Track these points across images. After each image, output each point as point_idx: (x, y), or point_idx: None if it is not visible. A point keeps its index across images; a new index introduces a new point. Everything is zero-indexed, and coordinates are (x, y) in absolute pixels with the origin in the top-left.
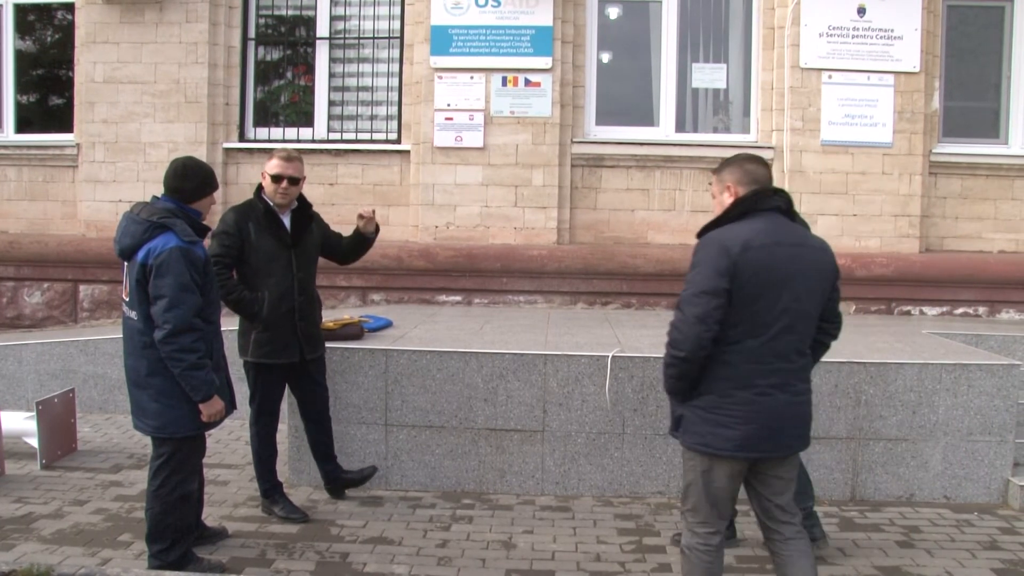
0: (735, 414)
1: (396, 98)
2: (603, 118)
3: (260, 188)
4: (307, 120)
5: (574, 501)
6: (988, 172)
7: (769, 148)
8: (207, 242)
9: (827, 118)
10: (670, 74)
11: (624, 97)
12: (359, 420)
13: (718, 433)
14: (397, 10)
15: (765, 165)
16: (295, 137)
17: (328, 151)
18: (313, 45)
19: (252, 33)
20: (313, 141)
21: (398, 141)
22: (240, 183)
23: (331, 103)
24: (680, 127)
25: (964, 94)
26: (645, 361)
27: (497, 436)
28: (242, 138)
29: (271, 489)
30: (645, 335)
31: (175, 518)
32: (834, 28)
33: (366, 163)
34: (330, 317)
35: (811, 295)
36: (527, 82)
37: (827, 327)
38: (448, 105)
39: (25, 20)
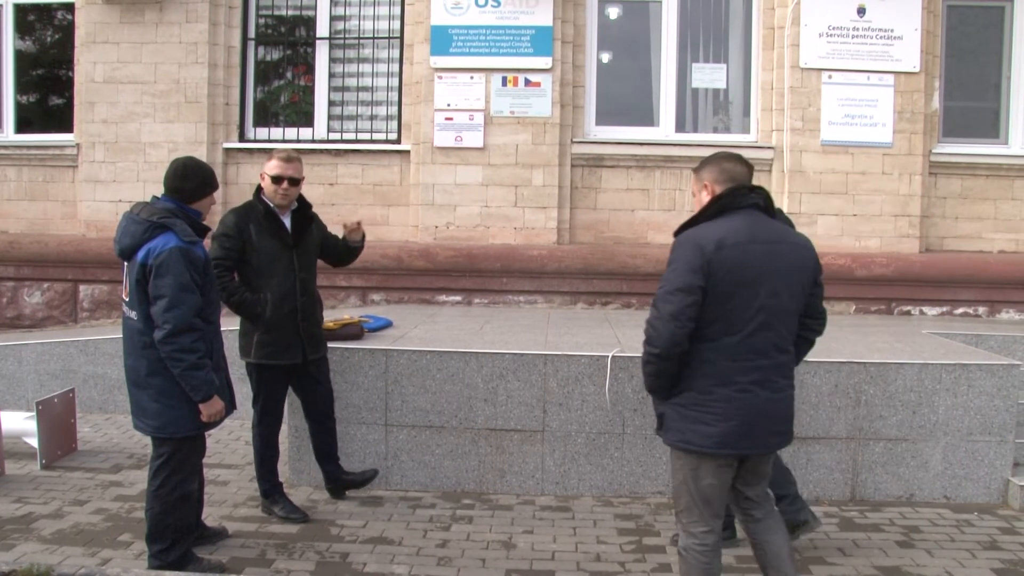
0: (715, 411)
1: (396, 98)
2: (603, 118)
3: (259, 189)
4: (307, 120)
5: (574, 501)
6: (988, 172)
7: (769, 148)
8: (207, 243)
9: (827, 118)
10: (670, 74)
11: (624, 97)
12: (359, 420)
13: (698, 430)
14: (397, 10)
15: (744, 163)
16: (295, 137)
17: (328, 151)
18: (313, 45)
19: (252, 33)
20: (313, 141)
21: (398, 141)
22: (240, 183)
23: (331, 103)
24: (680, 127)
25: (964, 94)
26: None
27: (497, 436)
28: (242, 138)
29: (271, 489)
30: None
31: (175, 518)
32: (834, 28)
33: (366, 163)
34: (330, 317)
35: (790, 292)
36: (527, 82)
37: (811, 323)
38: (448, 105)
39: (25, 20)
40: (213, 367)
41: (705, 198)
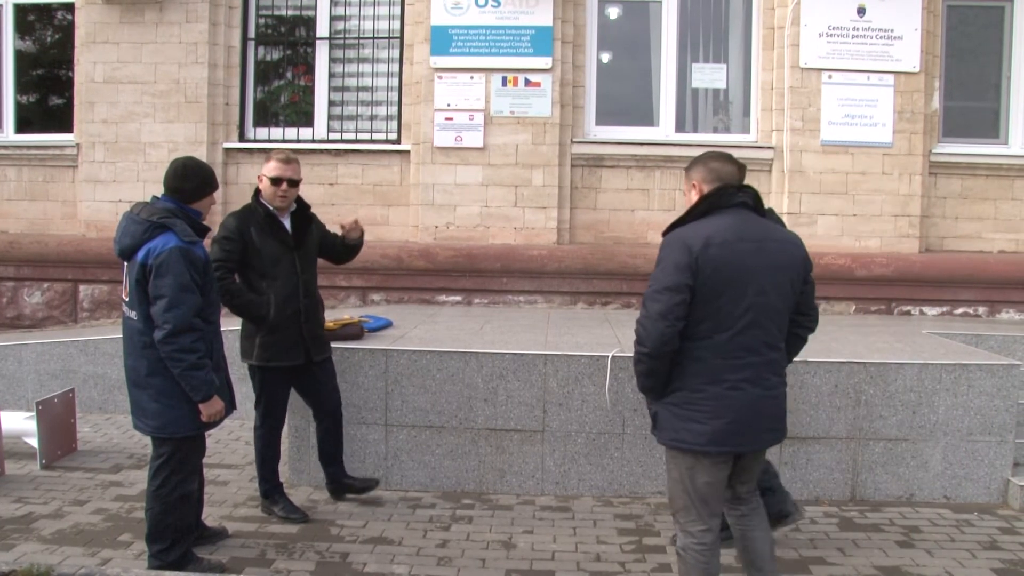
0: (705, 409)
1: (396, 98)
2: (603, 118)
3: (257, 192)
4: (307, 120)
5: (574, 501)
6: (988, 172)
7: (769, 148)
8: (207, 243)
9: (827, 118)
10: (670, 74)
11: (624, 97)
12: (359, 420)
13: (690, 428)
14: (397, 10)
15: (733, 162)
16: (295, 137)
17: (328, 151)
18: (313, 45)
19: (252, 33)
20: (313, 141)
21: (398, 141)
22: (240, 183)
23: (331, 103)
24: (680, 127)
25: (964, 94)
26: None
27: (497, 436)
28: (242, 138)
29: (271, 489)
30: None
31: (175, 518)
32: (834, 28)
33: (366, 163)
34: (330, 317)
35: (779, 289)
36: (527, 82)
37: (802, 320)
38: (448, 105)
39: (25, 20)
40: (213, 367)
41: (694, 197)
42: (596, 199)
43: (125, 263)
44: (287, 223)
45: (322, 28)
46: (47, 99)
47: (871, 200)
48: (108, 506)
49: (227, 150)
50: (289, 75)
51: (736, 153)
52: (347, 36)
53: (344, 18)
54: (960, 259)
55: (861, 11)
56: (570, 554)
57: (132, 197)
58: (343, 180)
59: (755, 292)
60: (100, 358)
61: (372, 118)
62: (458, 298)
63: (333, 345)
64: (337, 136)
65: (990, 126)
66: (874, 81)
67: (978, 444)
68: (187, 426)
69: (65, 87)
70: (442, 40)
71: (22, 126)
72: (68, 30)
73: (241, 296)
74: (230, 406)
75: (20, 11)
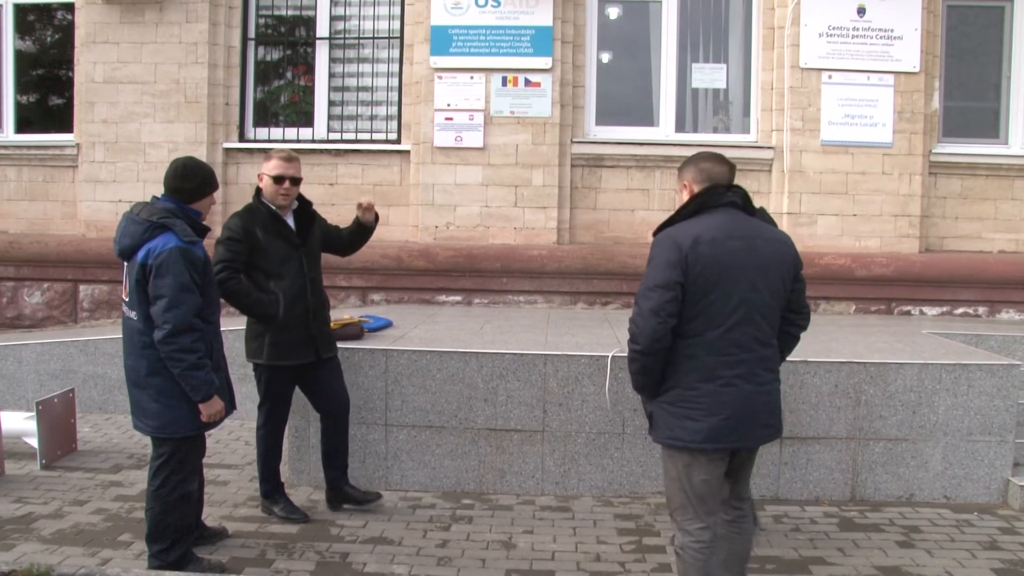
0: (700, 406)
1: (396, 98)
2: (603, 118)
3: (259, 191)
4: (307, 120)
5: (574, 501)
6: (988, 172)
7: (769, 148)
8: (212, 243)
9: (827, 118)
10: (670, 74)
11: (624, 97)
12: (359, 420)
13: (685, 426)
14: (397, 10)
15: (724, 163)
16: (295, 137)
17: (328, 151)
18: (313, 45)
19: (252, 33)
20: (313, 141)
21: (398, 141)
22: (240, 183)
23: (331, 103)
24: (680, 127)
25: (964, 94)
26: None
27: (497, 436)
28: (242, 138)
29: (272, 489)
30: None
31: (175, 518)
32: (834, 28)
33: (366, 163)
34: (330, 317)
35: (769, 287)
36: (527, 82)
37: (794, 318)
38: (448, 105)
39: (25, 20)
40: (213, 367)
41: (685, 197)
42: (596, 199)
43: (125, 263)
44: (290, 222)
45: (322, 28)
46: (47, 99)
47: (871, 200)
48: (108, 506)
49: (227, 150)
50: (289, 75)
51: (736, 153)
52: (347, 36)
53: (344, 18)
54: (960, 259)
55: (861, 11)
56: (570, 554)
57: (132, 197)
58: (343, 180)
59: (745, 289)
60: (100, 358)
61: (372, 118)
62: (458, 298)
63: None
64: (337, 136)
65: (990, 126)
66: (874, 81)
67: (978, 444)
68: (187, 426)
69: (65, 87)
70: (442, 40)
71: (22, 126)
72: (68, 30)
73: (250, 296)
74: (230, 406)
75: (20, 11)
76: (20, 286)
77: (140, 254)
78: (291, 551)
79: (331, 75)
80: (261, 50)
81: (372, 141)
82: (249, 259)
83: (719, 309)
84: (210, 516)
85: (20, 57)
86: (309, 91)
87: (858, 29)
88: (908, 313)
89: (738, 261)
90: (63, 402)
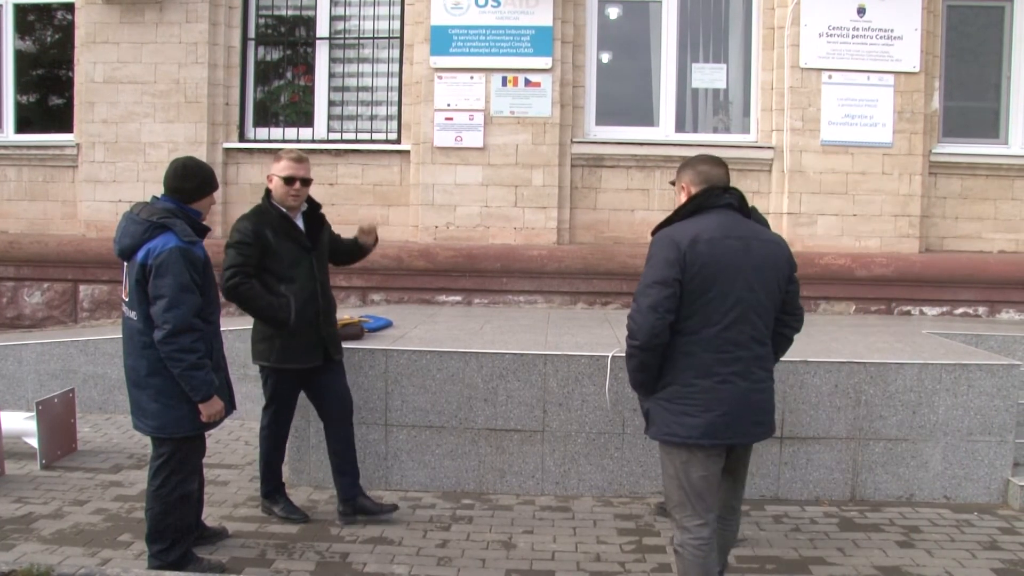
0: (697, 402)
1: (396, 98)
2: (603, 118)
3: (268, 193)
4: (307, 120)
5: (574, 501)
6: (988, 172)
7: (769, 148)
8: (211, 243)
9: (827, 118)
10: (670, 74)
11: (624, 97)
12: (359, 420)
13: (682, 422)
14: (397, 10)
15: (721, 165)
16: (295, 137)
17: (328, 151)
18: (313, 45)
19: (252, 33)
20: (313, 141)
21: (398, 141)
22: (240, 183)
23: (331, 103)
24: (680, 127)
25: (964, 94)
26: None
27: (497, 436)
28: (242, 138)
29: (273, 490)
30: None
31: (175, 518)
32: (834, 28)
33: (366, 163)
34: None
35: (765, 286)
36: (527, 82)
37: (788, 319)
38: (448, 105)
39: (25, 20)
40: (213, 367)
41: (683, 199)
42: (596, 199)
43: (125, 263)
44: (299, 224)
45: (322, 28)
46: (47, 99)
47: (871, 200)
48: (108, 506)
49: (227, 150)
50: (289, 75)
51: (736, 153)
52: (347, 36)
53: (344, 18)
54: (960, 259)
55: (861, 11)
56: (570, 554)
57: (132, 197)
58: (343, 180)
59: (742, 288)
60: (100, 358)
61: (372, 118)
62: (458, 298)
63: None
64: (337, 136)
65: (990, 126)
66: (874, 81)
67: (978, 444)
68: (187, 426)
69: (65, 87)
70: (442, 40)
71: (22, 126)
72: (68, 30)
73: (263, 301)
74: (230, 406)
75: (20, 11)
76: (20, 286)
77: (140, 254)
78: (291, 551)
79: (331, 75)
80: (261, 50)
81: (372, 141)
82: (259, 262)
83: (716, 307)
84: (210, 516)
85: (20, 57)
86: (309, 91)
87: (858, 29)
88: (908, 313)
89: (735, 261)
90: (63, 402)
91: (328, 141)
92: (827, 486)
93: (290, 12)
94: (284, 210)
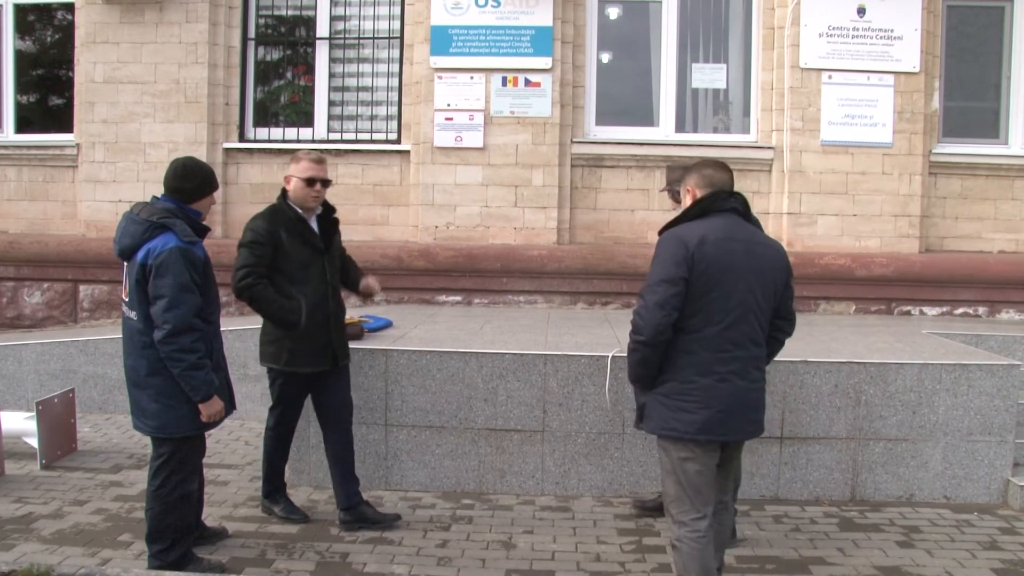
0: (695, 399)
1: (396, 98)
2: (603, 118)
3: (284, 193)
4: (307, 120)
5: (574, 501)
6: (988, 172)
7: (769, 148)
8: (211, 243)
9: (827, 118)
10: (670, 74)
11: (624, 97)
12: (359, 420)
13: (680, 418)
14: (397, 10)
15: (726, 170)
16: (295, 137)
17: (328, 151)
18: (313, 45)
19: (252, 33)
20: (313, 141)
21: (398, 141)
22: (240, 183)
23: (331, 103)
24: (680, 127)
25: (964, 94)
26: None
27: (497, 436)
28: (242, 138)
29: (274, 490)
30: None
31: (175, 518)
32: (834, 28)
33: (366, 163)
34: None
35: (764, 289)
36: (527, 82)
37: (781, 324)
38: (448, 105)
39: (25, 20)
40: (213, 367)
41: (688, 201)
42: (596, 199)
43: (125, 263)
44: (314, 226)
45: (322, 28)
46: (47, 99)
47: (871, 200)
48: (108, 506)
49: (227, 150)
50: (289, 75)
51: (736, 153)
52: (347, 36)
53: (344, 18)
54: (960, 259)
55: (861, 11)
56: (570, 554)
57: (132, 197)
58: (343, 180)
59: (743, 290)
60: (100, 358)
61: (372, 118)
62: (458, 298)
63: None
64: (337, 136)
65: (990, 126)
66: (874, 81)
67: (978, 444)
68: (187, 426)
69: (65, 87)
70: (442, 40)
71: (22, 126)
72: (68, 30)
73: (274, 303)
74: (230, 406)
75: (20, 11)
76: (20, 286)
77: (140, 254)
78: (291, 551)
79: (331, 75)
80: (261, 50)
81: (372, 141)
82: (271, 262)
83: (719, 307)
84: (210, 516)
85: (20, 57)
86: (309, 91)
87: (858, 29)
88: (908, 313)
89: (738, 263)
90: (63, 402)
91: (328, 141)
92: (827, 486)
93: (290, 12)
94: (300, 211)
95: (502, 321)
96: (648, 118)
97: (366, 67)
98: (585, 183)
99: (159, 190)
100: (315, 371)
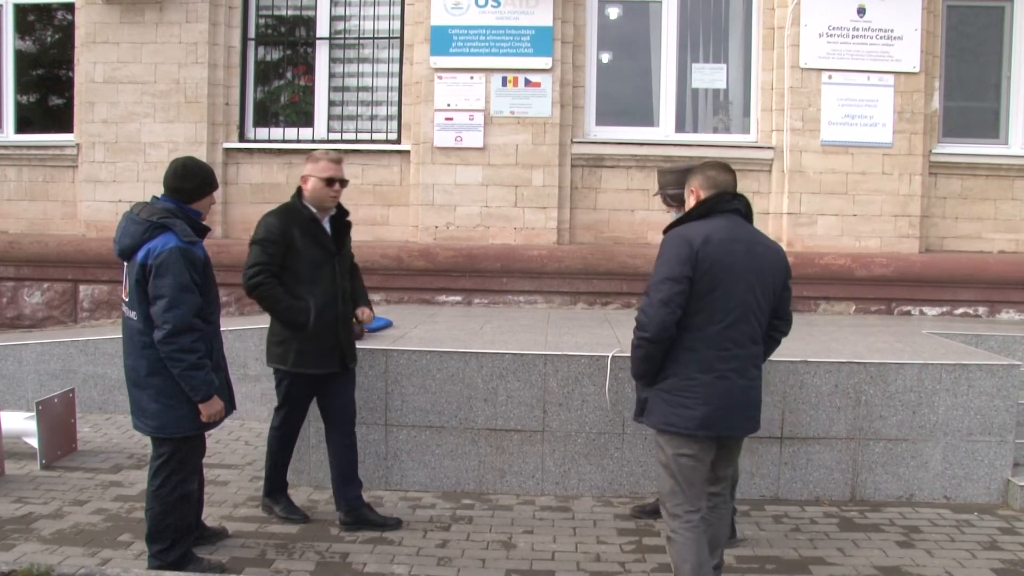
0: (695, 395)
1: (396, 98)
2: (603, 118)
3: (299, 192)
4: (307, 120)
5: (574, 501)
6: (988, 172)
7: (769, 148)
8: (211, 243)
9: (827, 118)
10: (670, 74)
11: (624, 97)
12: (359, 420)
13: (680, 413)
14: (397, 10)
15: (729, 172)
16: (295, 137)
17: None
18: (313, 45)
19: (252, 33)
20: (313, 141)
21: (398, 141)
22: (240, 183)
23: (331, 103)
24: (680, 127)
25: (964, 94)
26: None
27: (497, 436)
28: (242, 138)
29: (275, 490)
30: None
31: (175, 518)
32: (834, 28)
33: (366, 163)
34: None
35: (763, 289)
36: (527, 82)
37: (779, 324)
38: (448, 105)
39: (25, 20)
40: (213, 367)
41: (692, 202)
42: (596, 199)
43: (125, 263)
44: (327, 227)
45: (322, 28)
46: (47, 99)
47: (871, 200)
48: (108, 506)
49: (227, 150)
50: (289, 75)
51: (736, 153)
52: (347, 36)
53: (344, 18)
54: (960, 259)
55: (861, 11)
56: (570, 554)
57: (132, 197)
58: None
59: (744, 289)
60: (100, 358)
61: (372, 118)
62: (458, 298)
63: None
64: (337, 136)
65: (990, 126)
66: (874, 81)
67: (978, 444)
68: (187, 426)
69: (65, 87)
70: (442, 40)
71: (22, 126)
72: (68, 30)
73: (283, 303)
74: (230, 406)
75: (20, 11)
76: (20, 286)
77: (140, 254)
78: (291, 551)
79: (331, 75)
80: (261, 50)
81: (372, 141)
82: (282, 261)
83: (721, 306)
84: (210, 516)
85: (20, 57)
86: (309, 91)
87: (858, 29)
88: (908, 313)
89: (740, 263)
90: (63, 402)
91: (328, 141)
92: (827, 486)
93: (290, 12)
94: (314, 211)
95: (502, 321)
96: (648, 118)
97: (366, 67)
98: (585, 183)
99: (159, 190)
100: (323, 373)
